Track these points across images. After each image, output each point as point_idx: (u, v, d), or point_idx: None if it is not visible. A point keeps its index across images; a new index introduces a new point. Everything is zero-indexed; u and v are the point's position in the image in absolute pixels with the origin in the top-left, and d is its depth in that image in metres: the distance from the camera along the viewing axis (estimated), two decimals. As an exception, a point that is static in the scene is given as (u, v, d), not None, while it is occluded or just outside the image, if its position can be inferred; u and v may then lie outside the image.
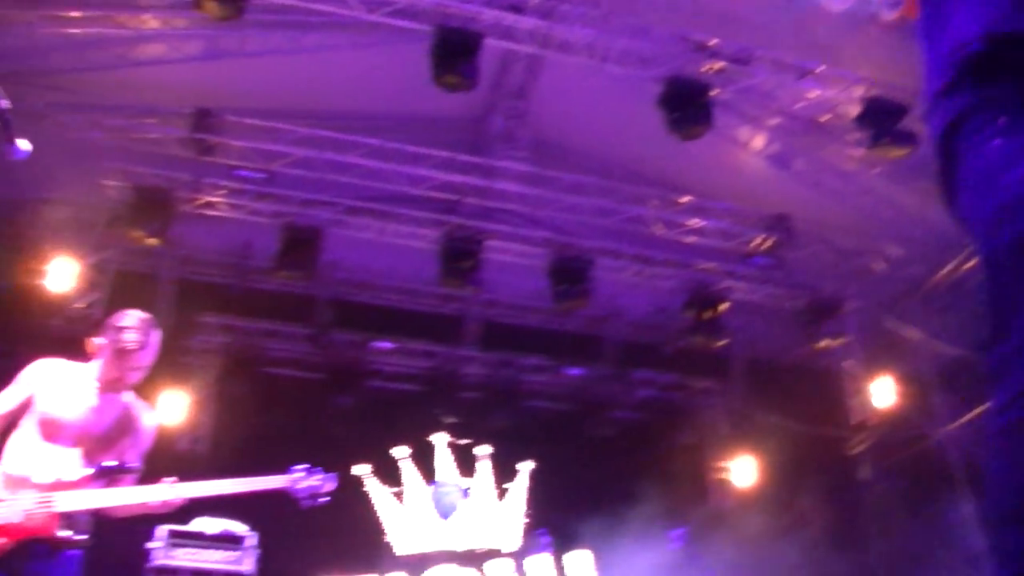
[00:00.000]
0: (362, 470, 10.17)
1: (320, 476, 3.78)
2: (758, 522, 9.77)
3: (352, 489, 9.91)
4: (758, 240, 10.16)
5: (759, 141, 9.88)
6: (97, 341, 3.68)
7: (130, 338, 3.59)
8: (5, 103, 2.73)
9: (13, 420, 3.57)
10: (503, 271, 10.40)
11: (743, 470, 11.62)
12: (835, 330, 10.59)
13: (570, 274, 9.87)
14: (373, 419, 10.39)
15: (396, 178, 9.45)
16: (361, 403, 10.64)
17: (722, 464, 11.91)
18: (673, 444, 11.75)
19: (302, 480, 3.74)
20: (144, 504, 3.51)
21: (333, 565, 9.44)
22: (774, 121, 9.62)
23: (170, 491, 3.51)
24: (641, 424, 11.87)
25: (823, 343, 10.58)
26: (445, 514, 10.23)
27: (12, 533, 3.27)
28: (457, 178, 9.56)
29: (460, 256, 9.63)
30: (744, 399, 11.78)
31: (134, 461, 3.69)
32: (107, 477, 3.53)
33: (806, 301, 10.75)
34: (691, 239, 10.15)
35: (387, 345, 10.98)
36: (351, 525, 9.47)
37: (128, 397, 3.77)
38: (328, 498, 3.77)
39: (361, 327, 10.90)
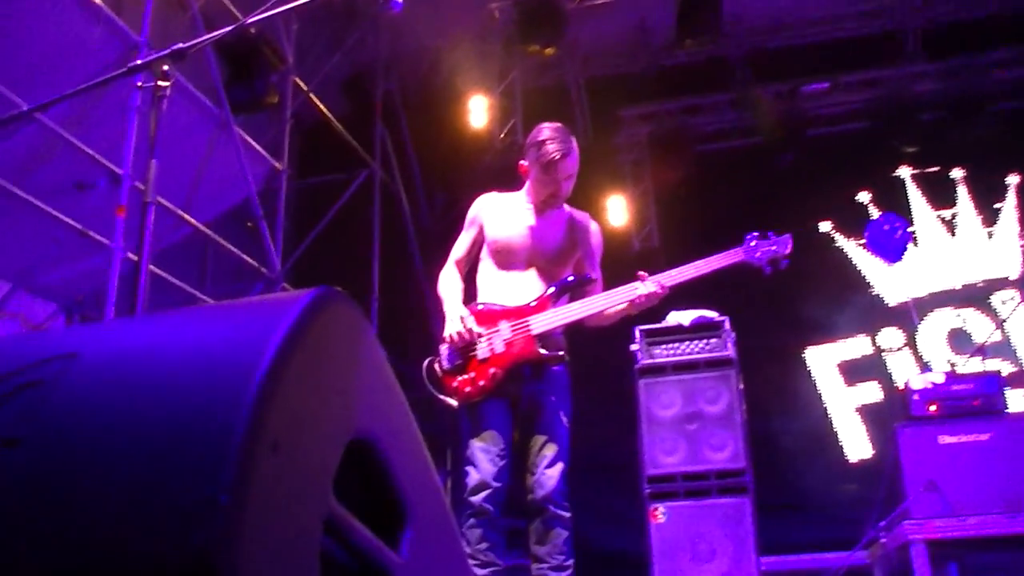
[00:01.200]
0: (825, 227, 9.53)
1: (774, 239, 3.64)
2: None
3: (821, 248, 9.34)
4: None
5: None
6: (524, 163, 3.76)
7: (551, 148, 3.60)
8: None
9: (475, 259, 3.83)
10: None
11: None
12: None
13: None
14: (824, 170, 9.56)
15: None
16: (807, 156, 9.84)
17: None
18: None
19: (758, 248, 3.62)
20: (613, 309, 3.57)
21: (819, 332, 9.09)
22: None
23: (632, 290, 3.50)
24: None
25: None
26: (898, 254, 9.30)
27: (500, 362, 3.50)
28: None
29: (879, -42, 8.26)
30: None
31: (591, 271, 3.74)
32: (569, 291, 3.65)
33: None
34: None
35: (820, 86, 9.93)
36: (827, 287, 8.97)
37: (567, 210, 3.81)
38: (788, 260, 3.63)
39: (786, 75, 9.94)
